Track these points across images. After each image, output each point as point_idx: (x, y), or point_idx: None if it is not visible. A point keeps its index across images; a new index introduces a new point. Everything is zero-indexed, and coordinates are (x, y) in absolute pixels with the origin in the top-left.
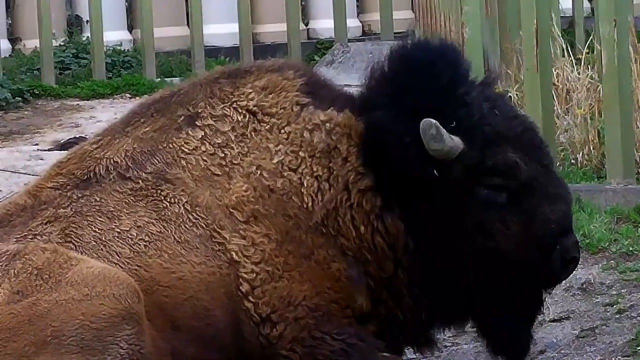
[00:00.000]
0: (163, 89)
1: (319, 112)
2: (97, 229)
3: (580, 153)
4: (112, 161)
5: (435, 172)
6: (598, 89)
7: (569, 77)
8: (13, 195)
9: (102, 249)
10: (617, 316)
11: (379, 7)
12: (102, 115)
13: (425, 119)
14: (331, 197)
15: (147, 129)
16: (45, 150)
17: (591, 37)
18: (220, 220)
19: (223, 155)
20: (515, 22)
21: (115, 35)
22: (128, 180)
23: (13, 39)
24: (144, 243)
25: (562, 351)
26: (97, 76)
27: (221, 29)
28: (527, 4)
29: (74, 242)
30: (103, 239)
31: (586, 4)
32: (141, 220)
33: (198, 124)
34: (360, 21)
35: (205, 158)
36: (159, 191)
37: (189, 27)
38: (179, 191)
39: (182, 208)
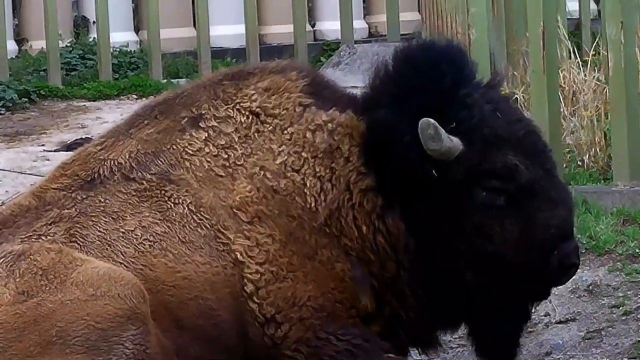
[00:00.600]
0: (167, 90)
1: (322, 113)
2: (101, 229)
3: (587, 155)
4: (116, 162)
5: (434, 172)
6: (604, 91)
7: (576, 79)
8: (18, 196)
9: (106, 249)
10: (623, 318)
11: (385, 9)
12: (108, 116)
13: (423, 119)
14: (334, 198)
15: (150, 130)
16: (51, 151)
17: (597, 39)
18: (225, 221)
19: (226, 156)
20: (522, 24)
21: (121, 36)
22: (132, 181)
23: (20, 39)
24: (149, 243)
25: (568, 353)
26: (103, 77)
27: (228, 30)
28: (533, 5)
29: (78, 242)
30: (108, 239)
31: (593, 6)
32: (146, 221)
33: (201, 126)
34: (367, 23)
35: (208, 159)
36: (163, 192)
37: (195, 28)
38: (183, 192)
39: (187, 209)
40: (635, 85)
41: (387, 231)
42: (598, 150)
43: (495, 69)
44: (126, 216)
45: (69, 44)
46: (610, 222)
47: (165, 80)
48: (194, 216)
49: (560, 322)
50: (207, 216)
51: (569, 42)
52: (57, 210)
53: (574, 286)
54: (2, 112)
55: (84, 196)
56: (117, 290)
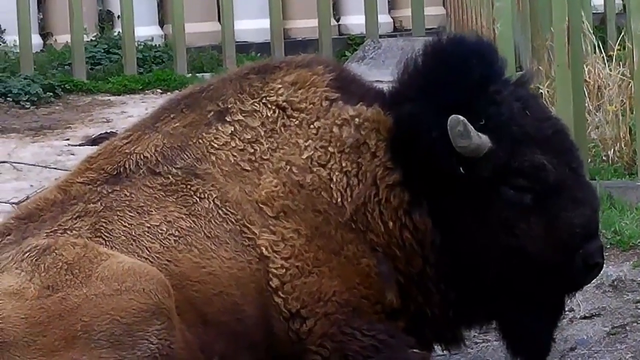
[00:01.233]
0: (193, 84)
1: (348, 107)
2: (127, 224)
3: (612, 150)
4: (142, 156)
5: (461, 169)
6: (630, 86)
7: (601, 74)
8: (43, 190)
9: (132, 244)
10: None
11: (410, 3)
12: (133, 110)
13: (453, 115)
14: (360, 193)
15: (176, 124)
16: (76, 145)
17: (623, 33)
18: (250, 216)
19: (253, 150)
20: (547, 18)
21: (146, 30)
22: (158, 175)
23: (44, 34)
24: (174, 238)
25: (593, 348)
26: (128, 71)
27: (252, 25)
28: (558, 0)
29: (103, 236)
30: (133, 233)
31: (618, 0)
32: (171, 215)
33: (228, 120)
34: (392, 17)
35: (235, 153)
36: (189, 186)
37: (220, 22)
38: (209, 186)
39: (212, 203)
40: None
41: (414, 227)
42: (623, 145)
43: (520, 63)
44: (151, 211)
45: (93, 38)
46: (635, 217)
47: (190, 74)
48: (219, 211)
49: (584, 317)
50: (232, 211)
51: (594, 37)
52: (83, 205)
53: (599, 281)
54: (27, 106)
55: (110, 190)
56: (142, 285)
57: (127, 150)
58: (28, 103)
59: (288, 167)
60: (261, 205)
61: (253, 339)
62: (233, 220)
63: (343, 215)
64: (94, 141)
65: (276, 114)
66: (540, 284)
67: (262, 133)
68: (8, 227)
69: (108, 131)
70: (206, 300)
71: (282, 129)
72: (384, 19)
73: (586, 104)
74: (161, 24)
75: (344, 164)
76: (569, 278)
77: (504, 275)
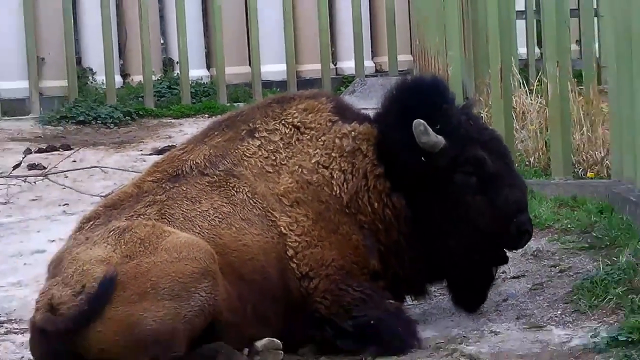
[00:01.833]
0: (231, 111)
1: (346, 125)
2: (183, 210)
3: (533, 157)
4: (194, 162)
5: (422, 158)
6: (545, 112)
7: (524, 103)
8: (123, 187)
9: (187, 224)
10: (559, 274)
11: (387, 52)
12: (188, 129)
13: (416, 119)
14: (353, 184)
15: (219, 139)
16: (147, 155)
17: (540, 74)
18: (272, 205)
19: (274, 158)
20: (486, 63)
21: (197, 72)
22: (206, 175)
23: (124, 74)
24: (218, 219)
25: (519, 300)
26: (184, 102)
27: (274, 68)
28: (494, 49)
29: (167, 219)
30: (188, 216)
31: (537, 50)
32: (216, 204)
33: (256, 136)
34: (374, 62)
35: (261, 160)
36: (228, 183)
37: (250, 66)
38: (243, 183)
39: (245, 195)
40: (568, 107)
41: (392, 205)
42: (541, 154)
43: (467, 95)
44: (202, 200)
45: (159, 78)
46: (549, 206)
47: (229, 104)
48: (250, 201)
49: (513, 277)
50: (260, 201)
51: (520, 76)
52: (152, 197)
53: (524, 252)
54: (111, 127)
55: (171, 186)
56: (194, 254)
57: (183, 158)
58: (112, 125)
59: (300, 170)
60: (280, 197)
61: (275, 293)
62: (260, 207)
63: (340, 203)
64: (159, 151)
65: (292, 132)
66: (484, 247)
67: (281, 145)
68: (98, 212)
69: (170, 144)
70: (241, 264)
71: (297, 142)
72: (369, 63)
73: (514, 124)
74: (208, 67)
75: (342, 165)
76: (508, 241)
77: (457, 241)
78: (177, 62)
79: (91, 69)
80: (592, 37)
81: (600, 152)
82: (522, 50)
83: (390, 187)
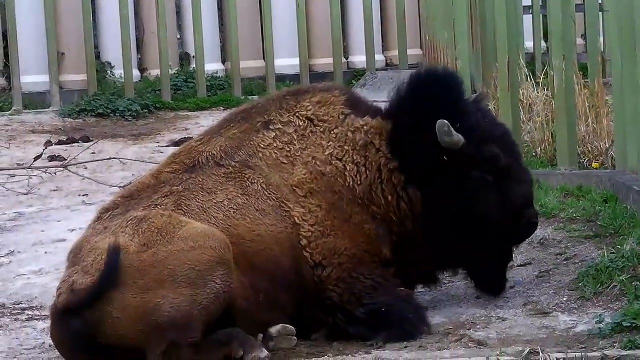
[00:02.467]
0: (245, 104)
1: (359, 119)
2: (200, 201)
3: (539, 148)
4: (210, 154)
5: (445, 157)
6: (551, 104)
7: (531, 96)
8: (141, 177)
9: (203, 214)
10: (565, 262)
11: (397, 46)
12: (204, 122)
13: (440, 120)
14: (367, 177)
15: (235, 131)
16: (164, 146)
17: (546, 67)
18: (287, 195)
19: (289, 149)
20: (494, 57)
21: (213, 66)
22: (222, 167)
23: (142, 69)
24: (233, 210)
25: (526, 287)
26: (200, 95)
27: (287, 62)
28: (501, 43)
29: (183, 209)
30: (204, 207)
31: (543, 44)
32: (231, 195)
33: (271, 128)
34: (385, 56)
35: (276, 151)
36: (243, 175)
37: (264, 60)
38: (258, 175)
39: (260, 186)
40: (573, 100)
41: (408, 199)
42: (547, 145)
43: (475, 88)
44: (217, 191)
45: (176, 72)
46: (555, 195)
47: (244, 97)
48: (265, 192)
49: (520, 265)
50: (274, 192)
51: (527, 70)
52: (169, 187)
53: (530, 240)
54: (129, 119)
55: (188, 177)
56: (210, 243)
57: (200, 149)
58: (130, 117)
59: (314, 161)
60: (294, 188)
61: (288, 281)
62: (274, 198)
63: (353, 194)
64: (176, 143)
65: (306, 124)
66: (497, 238)
67: (295, 137)
68: (117, 203)
69: (186, 136)
70: (255, 254)
71: (310, 134)
72: (380, 57)
73: (521, 117)
74: (223, 61)
75: (355, 158)
76: (516, 233)
77: (471, 233)
78: (194, 57)
79: (110, 64)
80: (597, 31)
81: (605, 143)
82: (529, 44)
83: (405, 180)
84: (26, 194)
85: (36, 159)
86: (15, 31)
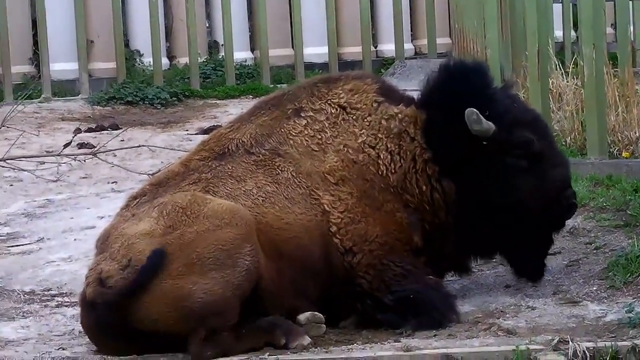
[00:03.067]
0: (276, 91)
1: (393, 107)
2: (228, 188)
3: (569, 137)
4: (240, 141)
5: (482, 143)
6: (581, 93)
7: (561, 85)
8: (170, 165)
9: (232, 202)
10: (594, 251)
11: (426, 35)
12: (232, 110)
13: (468, 108)
14: (402, 166)
15: (265, 118)
16: (192, 134)
17: (576, 56)
18: (317, 183)
19: (320, 137)
20: (523, 45)
21: (241, 54)
22: (252, 154)
23: (170, 57)
24: (262, 198)
25: (556, 276)
26: (229, 83)
27: (316, 50)
28: (531, 32)
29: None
30: (233, 194)
31: (573, 33)
32: (260, 182)
33: (302, 115)
34: (414, 45)
35: (307, 139)
36: (273, 162)
37: (293, 49)
38: (288, 162)
39: (290, 174)
40: (603, 88)
41: (442, 190)
42: (577, 134)
43: (504, 77)
44: (246, 179)
45: (204, 60)
46: (585, 185)
47: (272, 85)
48: (294, 180)
49: (550, 254)
50: (304, 180)
51: (556, 59)
52: (198, 174)
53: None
54: (158, 107)
55: (217, 164)
56: (235, 220)
57: (230, 137)
58: (159, 105)
59: (345, 149)
60: (326, 175)
61: (316, 268)
62: (304, 186)
63: (386, 182)
64: (205, 131)
65: (337, 111)
66: (536, 223)
67: (327, 125)
68: (145, 190)
69: (215, 124)
70: (283, 241)
71: (342, 122)
72: (408, 46)
73: (551, 106)
74: (252, 50)
75: (388, 146)
76: (557, 216)
77: (509, 219)
78: (222, 45)
79: (139, 51)
80: (627, 20)
81: (635, 133)
82: (558, 34)
83: (439, 170)
84: (55, 181)
85: (65, 146)
86: (44, 19)
